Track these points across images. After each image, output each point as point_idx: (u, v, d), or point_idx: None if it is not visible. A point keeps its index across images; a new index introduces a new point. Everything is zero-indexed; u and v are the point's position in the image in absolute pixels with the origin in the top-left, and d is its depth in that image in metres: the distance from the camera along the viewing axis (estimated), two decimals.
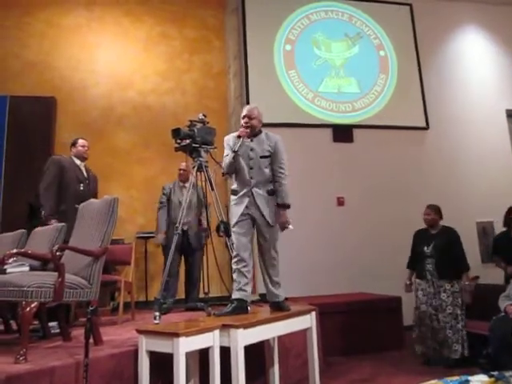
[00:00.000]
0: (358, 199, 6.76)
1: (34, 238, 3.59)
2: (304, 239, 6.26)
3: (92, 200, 3.27)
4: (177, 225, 3.90)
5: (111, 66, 6.73)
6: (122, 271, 5.73)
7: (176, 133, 4.11)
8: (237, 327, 2.67)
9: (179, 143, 4.17)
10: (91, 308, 2.23)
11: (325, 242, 6.46)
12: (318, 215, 6.56)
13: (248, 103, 6.82)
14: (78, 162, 4.54)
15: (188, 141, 4.13)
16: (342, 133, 7.03)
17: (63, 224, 3.44)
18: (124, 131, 6.56)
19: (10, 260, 2.79)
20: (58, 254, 2.60)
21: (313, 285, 6.06)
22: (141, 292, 6.02)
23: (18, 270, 2.82)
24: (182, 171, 5.31)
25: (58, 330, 3.29)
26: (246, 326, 2.73)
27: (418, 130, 7.32)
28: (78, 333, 3.27)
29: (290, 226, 3.37)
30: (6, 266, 2.80)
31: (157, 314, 3.57)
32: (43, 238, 3.45)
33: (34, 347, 2.58)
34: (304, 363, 3.65)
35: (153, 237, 5.83)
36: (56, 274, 2.62)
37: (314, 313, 3.56)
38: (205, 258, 4.72)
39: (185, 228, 4.97)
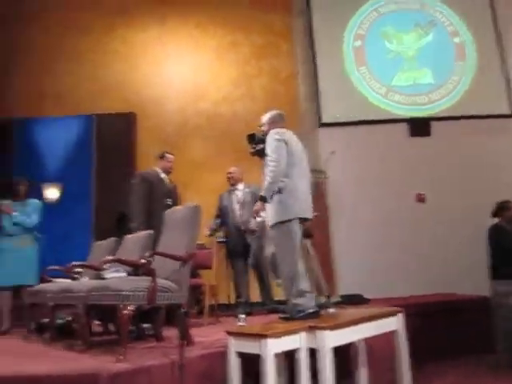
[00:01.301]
0: (438, 195, 6.45)
1: (126, 245, 3.83)
2: (381, 237, 6.10)
3: (176, 208, 3.42)
4: (250, 227, 3.95)
5: (184, 79, 7.02)
6: (203, 275, 5.91)
7: (251, 138, 4.16)
8: (324, 329, 2.65)
9: (254, 148, 4.23)
10: (183, 311, 2.32)
11: (402, 240, 6.24)
12: (396, 212, 6.36)
13: (319, 104, 6.79)
14: (162, 175, 4.76)
15: (262, 145, 4.17)
16: (419, 127, 6.75)
17: (152, 231, 3.63)
18: (199, 141, 6.79)
19: (107, 266, 2.99)
20: (149, 260, 2.75)
21: (390, 285, 5.87)
22: (220, 296, 6.16)
23: (115, 275, 3.02)
24: (230, 175, 5.41)
25: (151, 332, 3.48)
26: (332, 328, 2.70)
27: (502, 118, 6.83)
28: (169, 334, 3.42)
29: (258, 218, 3.16)
30: (103, 272, 3.01)
31: (242, 316, 3.64)
32: (134, 244, 3.67)
33: (130, 347, 2.74)
34: (391, 367, 3.54)
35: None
36: (148, 278, 2.77)
37: (400, 314, 3.43)
38: None
39: (243, 227, 5.08)
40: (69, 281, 3.82)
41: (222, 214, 5.30)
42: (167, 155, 4.85)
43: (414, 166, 6.55)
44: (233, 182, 5.40)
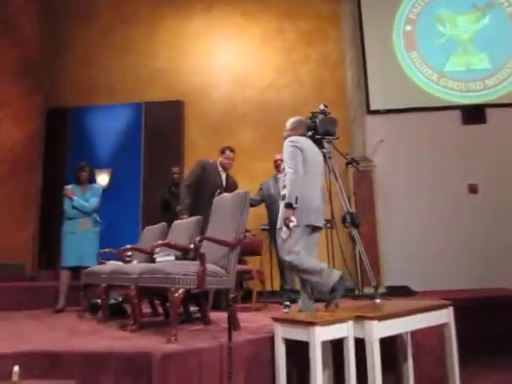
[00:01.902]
0: (491, 185, 6.19)
1: (175, 230, 3.93)
2: (430, 228, 5.94)
3: (225, 194, 3.46)
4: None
5: (231, 66, 7.05)
6: (250, 262, 5.97)
7: None
8: (371, 319, 2.62)
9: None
10: (232, 295, 2.36)
11: (452, 231, 6.05)
12: (447, 203, 6.16)
13: (367, 90, 6.64)
14: (220, 169, 4.83)
15: (310, 133, 4.13)
16: (473, 114, 6.47)
17: (200, 217, 3.70)
18: (246, 128, 6.82)
19: (158, 250, 3.08)
20: (199, 244, 2.81)
21: (437, 277, 5.72)
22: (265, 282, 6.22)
23: (165, 259, 3.11)
24: (279, 161, 5.36)
25: (198, 315, 3.57)
26: (381, 318, 2.66)
27: None
28: (215, 317, 3.50)
29: (290, 224, 3.14)
30: (154, 256, 3.11)
31: (287, 303, 3.66)
32: (183, 229, 3.76)
33: (180, 329, 2.81)
34: (437, 360, 3.46)
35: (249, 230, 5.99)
36: (197, 263, 2.83)
37: (451, 308, 3.34)
38: (329, 249, 4.71)
39: None
40: (121, 263, 3.96)
41: (267, 202, 5.31)
42: (227, 152, 4.89)
43: (466, 155, 6.31)
44: (280, 169, 5.39)
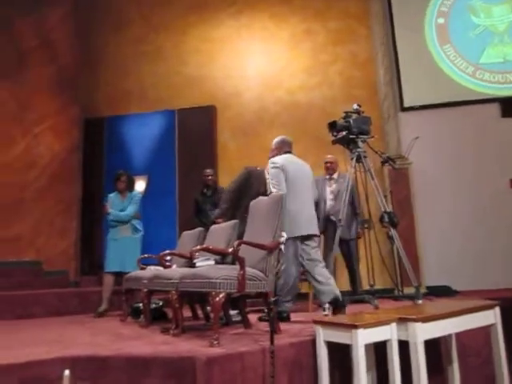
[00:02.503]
0: None
1: (212, 235, 3.97)
2: (469, 225, 5.77)
3: (261, 197, 3.47)
4: (340, 217, 3.92)
5: (261, 69, 7.08)
6: None
7: (332, 126, 4.12)
8: (415, 321, 2.57)
9: (335, 136, 4.17)
10: (273, 299, 2.37)
11: (493, 229, 5.85)
12: (487, 199, 5.98)
13: (400, 87, 6.54)
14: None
15: (344, 133, 4.11)
16: None
17: (237, 221, 3.73)
18: (277, 130, 6.80)
19: (196, 254, 3.12)
20: (237, 248, 2.83)
21: (479, 276, 5.55)
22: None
23: (205, 263, 3.15)
24: (329, 164, 5.31)
25: (237, 318, 3.59)
26: (425, 320, 2.61)
27: None
28: (254, 320, 3.51)
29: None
30: (194, 260, 3.15)
31: (326, 305, 3.63)
32: (220, 234, 3.79)
33: (221, 333, 2.83)
34: (484, 363, 3.35)
35: None
36: (237, 267, 2.85)
37: (497, 308, 3.23)
38: (367, 249, 4.64)
39: (333, 219, 4.99)
40: (161, 268, 4.03)
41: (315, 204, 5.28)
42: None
43: (506, 149, 6.09)
44: (331, 171, 5.33)
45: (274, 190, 3.58)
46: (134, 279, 4.09)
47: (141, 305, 4.38)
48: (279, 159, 3.77)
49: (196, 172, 6.52)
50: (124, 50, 7.62)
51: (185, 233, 4.64)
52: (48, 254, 6.20)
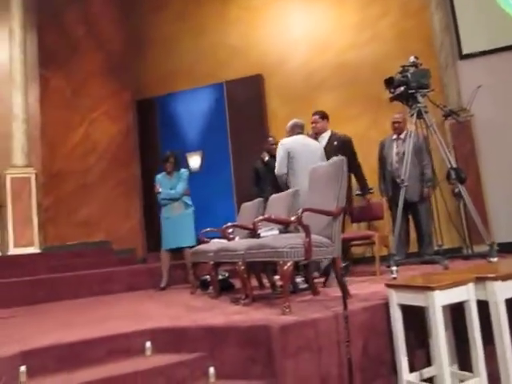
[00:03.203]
0: None
1: (272, 204, 3.97)
2: None
3: (320, 163, 3.40)
4: (402, 178, 3.78)
5: (306, 32, 6.84)
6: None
7: (389, 82, 3.92)
8: (494, 279, 2.46)
9: (393, 92, 3.97)
10: (344, 264, 2.33)
11: None
12: None
13: (457, 34, 6.12)
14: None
15: (402, 88, 3.90)
16: None
17: (297, 189, 3.70)
18: (327, 92, 6.63)
19: (260, 225, 3.13)
20: (301, 216, 2.81)
21: None
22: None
23: (269, 233, 3.16)
24: (396, 124, 5.08)
25: (304, 286, 3.61)
26: (504, 278, 2.48)
27: None
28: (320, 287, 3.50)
29: None
30: (259, 231, 3.17)
31: (394, 268, 3.56)
32: (280, 203, 3.78)
33: (290, 301, 2.84)
34: None
35: (372, 192, 5.81)
36: (302, 235, 2.84)
37: None
38: (434, 208, 4.45)
39: (398, 179, 4.82)
40: (224, 241, 4.10)
41: (382, 165, 5.15)
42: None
43: None
44: (399, 131, 5.13)
45: (276, 170, 4.25)
46: (200, 253, 4.19)
47: (208, 277, 4.52)
48: (288, 140, 4.32)
49: (248, 142, 6.52)
50: (167, 29, 7.61)
51: (244, 204, 4.67)
52: (116, 234, 6.52)
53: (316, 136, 4.85)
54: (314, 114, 4.89)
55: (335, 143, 4.76)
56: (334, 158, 3.18)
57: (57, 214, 6.44)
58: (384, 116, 5.33)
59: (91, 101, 6.85)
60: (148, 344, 2.61)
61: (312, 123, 4.89)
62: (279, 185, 5.05)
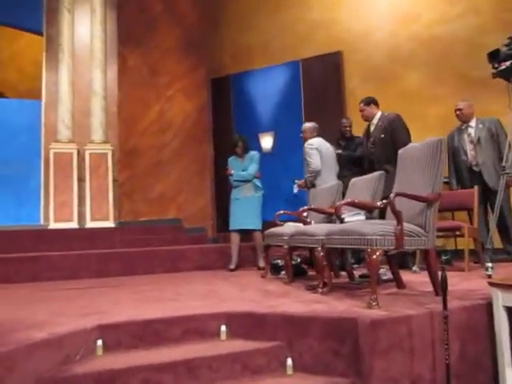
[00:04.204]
0: None
1: (354, 188, 3.70)
2: None
3: (412, 144, 3.09)
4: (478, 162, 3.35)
5: (392, 3, 6.33)
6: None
7: (494, 55, 3.46)
8: None
9: (497, 68, 3.51)
10: (445, 257, 2.05)
11: None
12: None
13: None
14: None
15: (508, 63, 3.43)
16: None
17: (383, 172, 3.41)
18: (413, 70, 6.13)
19: (343, 210, 2.90)
20: (393, 201, 2.54)
21: None
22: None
23: (354, 218, 2.92)
24: (459, 111, 4.65)
25: (385, 277, 3.34)
26: None
27: None
28: (406, 279, 3.21)
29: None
30: (343, 215, 2.93)
31: (489, 264, 3.18)
32: (363, 187, 3.51)
33: (377, 293, 2.60)
34: None
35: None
36: (392, 222, 2.57)
37: None
38: None
39: (477, 169, 4.50)
40: (299, 224, 3.91)
41: (453, 156, 4.73)
42: None
43: None
44: (463, 118, 4.69)
45: (311, 166, 4.66)
46: (274, 235, 4.04)
47: (279, 261, 4.38)
48: (314, 141, 4.80)
49: (324, 123, 6.21)
50: (246, 5, 7.42)
51: (319, 188, 4.43)
52: (187, 212, 6.55)
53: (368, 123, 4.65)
54: (360, 102, 4.66)
55: (380, 124, 4.47)
56: (430, 138, 2.85)
57: (131, 190, 6.57)
58: (477, 98, 4.81)
59: (167, 78, 6.88)
60: (223, 328, 2.49)
61: (359, 112, 4.67)
62: (358, 168, 4.79)
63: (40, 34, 6.67)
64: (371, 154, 4.49)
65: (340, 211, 2.94)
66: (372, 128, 4.55)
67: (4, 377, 1.84)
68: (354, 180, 3.78)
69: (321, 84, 6.49)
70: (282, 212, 4.45)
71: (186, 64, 6.99)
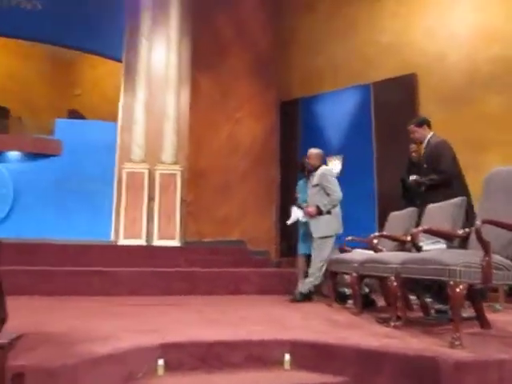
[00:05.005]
0: None
1: (430, 215, 3.43)
2: None
3: (499, 169, 2.81)
4: None
5: (470, 22, 6.01)
6: None
7: None
8: None
9: None
10: None
11: None
12: None
13: None
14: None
15: None
16: None
17: (464, 198, 3.14)
18: (494, 93, 5.74)
19: (421, 237, 2.68)
20: (479, 229, 2.29)
21: None
22: None
23: (434, 247, 2.69)
24: None
25: (465, 315, 3.03)
26: None
27: None
28: (493, 319, 2.89)
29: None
30: (421, 243, 2.71)
31: None
32: (441, 214, 3.24)
33: (461, 331, 2.33)
34: None
35: None
36: (475, 252, 2.32)
37: None
38: None
39: None
40: (369, 252, 3.69)
41: None
42: None
43: None
44: None
45: (335, 195, 4.51)
46: (341, 262, 3.85)
47: (347, 290, 4.16)
48: (329, 168, 5.13)
49: (396, 149, 5.96)
50: (316, 28, 7.42)
51: (393, 214, 4.18)
52: (251, 235, 6.50)
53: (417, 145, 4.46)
54: (409, 123, 4.28)
55: (427, 149, 4.13)
56: None
57: (197, 210, 6.64)
58: None
59: (237, 101, 6.99)
60: (287, 356, 2.34)
61: (410, 134, 4.28)
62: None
63: (119, 60, 7.07)
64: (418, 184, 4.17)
65: (417, 238, 2.72)
66: (423, 152, 4.26)
67: None
68: (431, 206, 3.52)
69: (393, 107, 6.25)
70: (350, 238, 4.24)
71: (255, 87, 7.07)
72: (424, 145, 4.20)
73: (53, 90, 10.25)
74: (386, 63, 6.53)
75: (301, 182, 5.28)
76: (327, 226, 4.46)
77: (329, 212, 4.50)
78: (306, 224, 5.03)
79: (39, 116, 8.86)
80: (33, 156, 6.72)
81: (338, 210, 4.58)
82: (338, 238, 4.59)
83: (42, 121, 8.33)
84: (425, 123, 4.24)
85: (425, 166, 4.09)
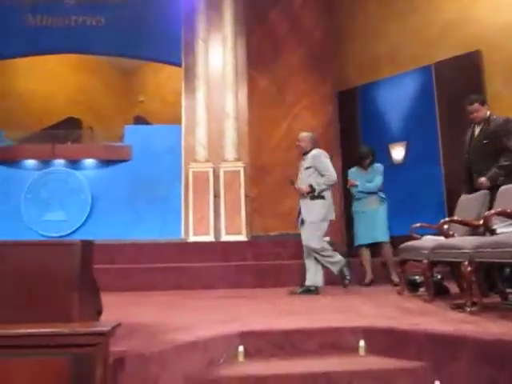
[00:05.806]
0: None
1: (504, 197, 3.30)
2: None
3: None
4: None
5: None
6: None
7: None
8: None
9: None
10: None
11: None
12: None
13: None
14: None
15: None
16: None
17: None
18: None
19: (495, 220, 2.61)
20: None
21: None
22: None
23: (508, 230, 2.61)
24: None
25: None
26: None
27: None
28: None
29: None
30: (495, 226, 2.65)
31: None
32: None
33: None
34: None
35: None
36: None
37: None
38: None
39: None
40: (439, 238, 3.62)
41: None
42: None
43: None
44: None
45: (332, 177, 4.41)
46: (411, 249, 3.80)
47: (417, 277, 4.10)
48: (322, 151, 4.57)
49: (462, 131, 5.73)
50: (369, 16, 7.27)
51: (463, 197, 4.04)
52: None
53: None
54: (471, 102, 3.97)
55: (485, 127, 3.89)
56: None
57: (261, 205, 6.79)
58: None
59: (293, 96, 7.03)
60: (362, 343, 2.40)
61: (471, 114, 3.99)
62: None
63: (179, 65, 7.35)
64: (469, 162, 4.00)
65: (490, 222, 2.65)
66: (477, 132, 4.01)
67: (159, 373, 2.00)
68: (504, 188, 3.38)
69: (457, 87, 5.98)
70: (418, 225, 4.16)
71: (311, 80, 7.07)
72: (481, 124, 4.00)
73: (118, 98, 10.86)
74: (448, 42, 6.28)
75: (352, 171, 5.33)
76: (319, 211, 4.39)
77: (322, 197, 4.39)
78: (365, 213, 5.10)
79: (108, 124, 9.42)
80: (105, 162, 7.24)
81: (330, 196, 4.49)
82: (406, 226, 4.53)
83: (110, 129, 8.86)
84: (486, 102, 4.10)
85: (484, 141, 3.90)
